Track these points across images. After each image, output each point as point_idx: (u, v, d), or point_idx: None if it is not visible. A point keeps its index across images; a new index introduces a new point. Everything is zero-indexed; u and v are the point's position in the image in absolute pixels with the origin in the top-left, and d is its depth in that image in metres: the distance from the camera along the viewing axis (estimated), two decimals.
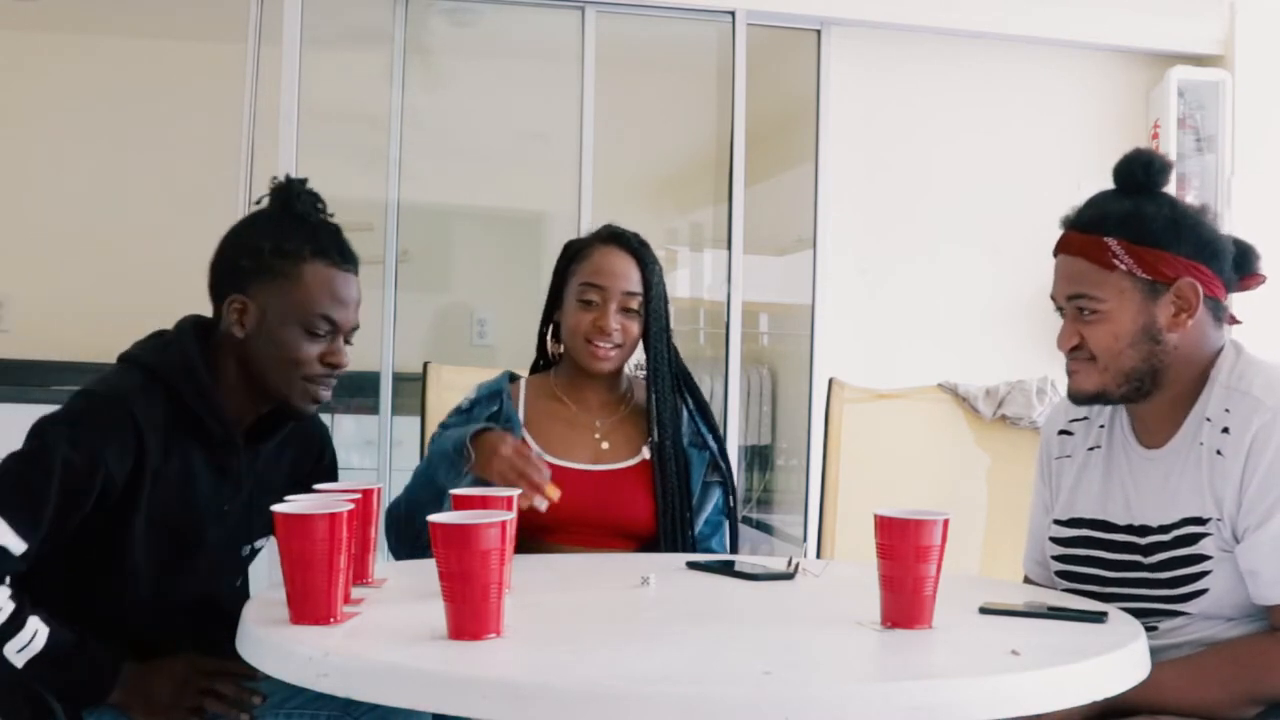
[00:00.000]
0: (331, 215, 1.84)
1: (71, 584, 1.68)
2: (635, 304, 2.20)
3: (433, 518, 1.30)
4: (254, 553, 1.92)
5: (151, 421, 1.67)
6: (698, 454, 2.25)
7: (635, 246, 2.23)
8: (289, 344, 1.75)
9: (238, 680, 1.69)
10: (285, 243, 1.75)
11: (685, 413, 2.28)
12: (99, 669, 1.65)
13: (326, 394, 1.80)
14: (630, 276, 2.20)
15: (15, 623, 1.56)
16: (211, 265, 1.81)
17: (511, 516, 1.34)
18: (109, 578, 1.70)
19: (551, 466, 2.04)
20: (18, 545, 1.56)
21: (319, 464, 1.98)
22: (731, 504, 2.30)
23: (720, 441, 2.31)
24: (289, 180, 1.82)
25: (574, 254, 2.25)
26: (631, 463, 2.22)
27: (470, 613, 1.29)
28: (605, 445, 2.23)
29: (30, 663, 1.57)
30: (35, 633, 1.57)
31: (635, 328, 2.21)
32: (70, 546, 1.65)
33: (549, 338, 2.33)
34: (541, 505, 1.94)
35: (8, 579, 1.57)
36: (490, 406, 2.22)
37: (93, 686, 1.64)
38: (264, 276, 1.75)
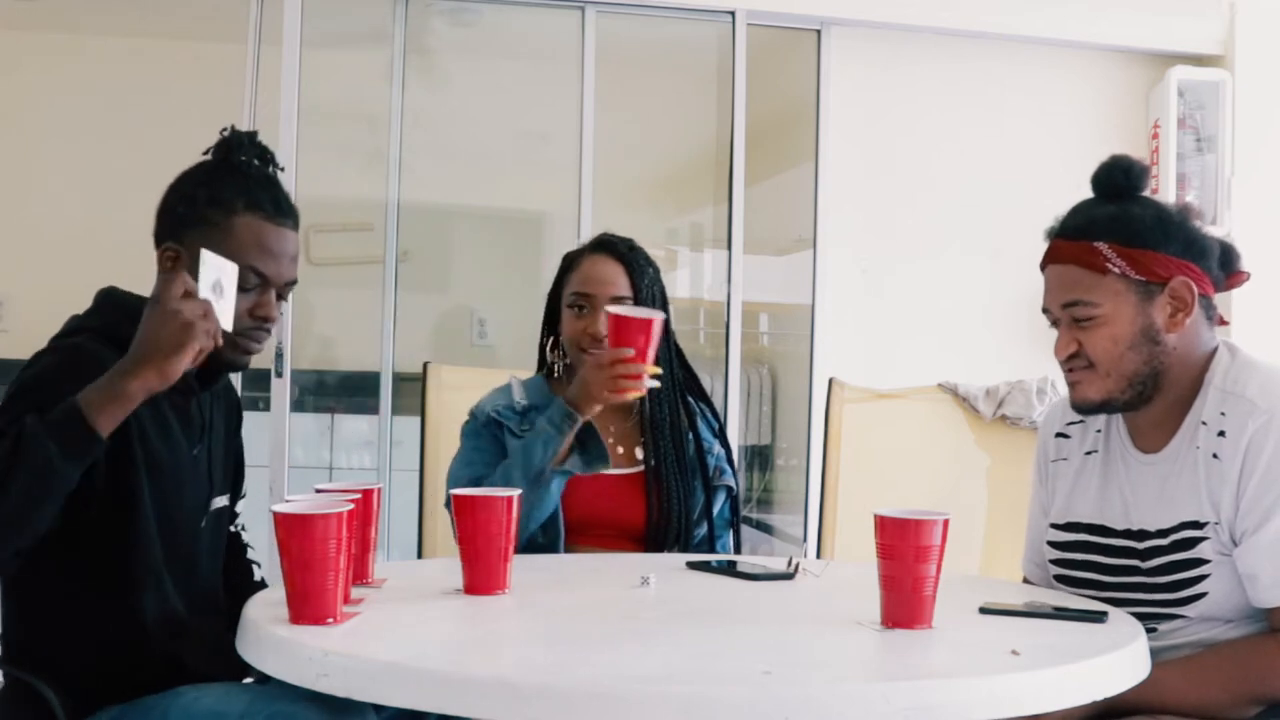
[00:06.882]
0: (281, 169, 1.83)
1: (88, 578, 1.63)
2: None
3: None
4: (217, 516, 1.85)
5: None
6: (702, 460, 2.26)
7: (624, 253, 2.24)
8: None
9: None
10: (219, 193, 1.75)
11: (693, 417, 2.28)
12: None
13: (258, 347, 1.78)
14: (618, 282, 2.21)
15: None
16: (155, 214, 1.81)
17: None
18: (125, 549, 1.65)
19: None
20: None
21: (237, 430, 1.97)
22: (736, 508, 2.33)
23: (727, 448, 2.33)
24: (233, 131, 1.81)
25: (568, 265, 2.28)
26: (636, 469, 2.24)
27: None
28: (620, 450, 2.25)
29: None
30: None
31: None
32: (86, 528, 1.59)
33: (549, 349, 2.33)
34: (652, 384, 2.03)
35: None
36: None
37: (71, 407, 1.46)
38: (197, 226, 1.74)
